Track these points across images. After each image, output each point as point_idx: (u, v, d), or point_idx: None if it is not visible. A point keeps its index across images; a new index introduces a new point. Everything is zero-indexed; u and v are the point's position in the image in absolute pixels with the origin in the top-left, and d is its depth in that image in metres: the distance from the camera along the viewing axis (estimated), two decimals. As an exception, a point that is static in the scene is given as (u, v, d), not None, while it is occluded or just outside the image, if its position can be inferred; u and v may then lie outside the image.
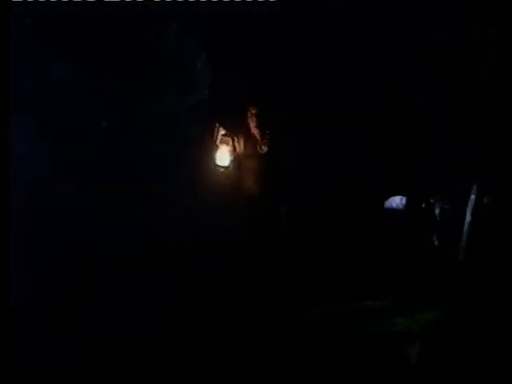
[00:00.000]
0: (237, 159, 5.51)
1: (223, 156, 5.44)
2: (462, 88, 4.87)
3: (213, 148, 5.41)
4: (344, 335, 4.11)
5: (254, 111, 5.50)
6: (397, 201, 5.62)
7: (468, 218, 4.44)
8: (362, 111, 5.37)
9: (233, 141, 5.48)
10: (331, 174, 5.55)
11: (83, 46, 4.85)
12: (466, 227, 4.45)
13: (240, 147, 5.54)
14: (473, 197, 4.48)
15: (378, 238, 5.28)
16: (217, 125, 5.41)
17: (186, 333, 4.05)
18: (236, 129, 5.58)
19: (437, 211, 5.59)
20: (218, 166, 5.41)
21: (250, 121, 5.51)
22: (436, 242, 5.54)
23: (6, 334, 3.56)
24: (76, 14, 4.62)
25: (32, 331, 3.91)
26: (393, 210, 5.61)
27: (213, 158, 5.39)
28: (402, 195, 5.52)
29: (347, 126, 5.43)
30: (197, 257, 4.94)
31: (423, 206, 5.44)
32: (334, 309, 4.64)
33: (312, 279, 4.93)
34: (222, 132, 5.45)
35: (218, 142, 5.43)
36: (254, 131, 5.50)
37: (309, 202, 5.53)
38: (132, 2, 4.67)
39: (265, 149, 5.48)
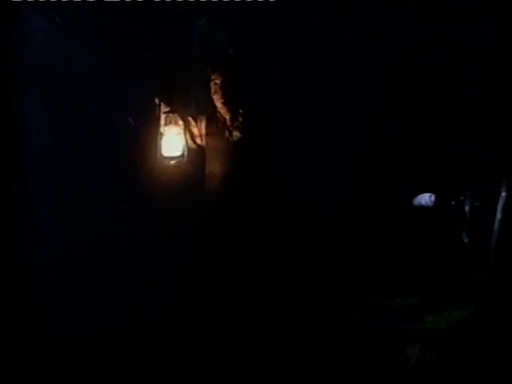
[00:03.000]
0: (194, 146, 3.95)
1: (172, 142, 3.84)
2: (491, 85, 4.84)
3: (157, 134, 3.81)
4: (370, 331, 4.12)
5: (218, 81, 3.88)
6: (426, 198, 5.59)
7: (498, 215, 4.40)
8: (389, 106, 5.34)
9: (184, 120, 3.88)
10: (346, 170, 5.28)
11: (107, 42, 4.91)
12: (496, 225, 4.41)
13: (200, 130, 3.96)
14: (503, 194, 4.43)
15: (407, 236, 5.26)
16: (156, 100, 3.78)
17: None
18: (193, 107, 4.12)
19: (466, 209, 5.54)
20: (166, 157, 3.82)
21: (213, 94, 3.91)
22: (465, 240, 5.49)
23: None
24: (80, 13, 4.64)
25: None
26: (422, 208, 5.58)
27: (158, 148, 3.79)
28: (432, 192, 5.49)
29: (370, 118, 5.33)
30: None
31: (453, 203, 5.41)
32: (363, 305, 4.66)
33: (341, 277, 4.93)
34: (166, 109, 3.82)
35: (163, 123, 3.82)
36: (221, 109, 3.93)
37: (314, 203, 5.13)
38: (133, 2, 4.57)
39: (236, 135, 3.93)
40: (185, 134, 3.86)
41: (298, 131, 5.17)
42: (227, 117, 3.93)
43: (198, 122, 3.96)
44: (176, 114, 3.80)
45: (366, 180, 5.55)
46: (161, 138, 3.79)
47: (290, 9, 4.86)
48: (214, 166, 3.93)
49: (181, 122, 3.82)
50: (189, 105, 4.14)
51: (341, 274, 4.98)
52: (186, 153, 3.83)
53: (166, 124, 3.79)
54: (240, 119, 3.93)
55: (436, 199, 5.29)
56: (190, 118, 3.94)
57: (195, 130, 3.96)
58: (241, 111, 3.93)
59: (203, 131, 3.96)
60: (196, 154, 3.92)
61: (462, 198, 5.54)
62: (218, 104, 3.90)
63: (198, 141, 3.97)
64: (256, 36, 5.15)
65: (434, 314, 4.39)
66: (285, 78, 5.23)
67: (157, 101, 3.77)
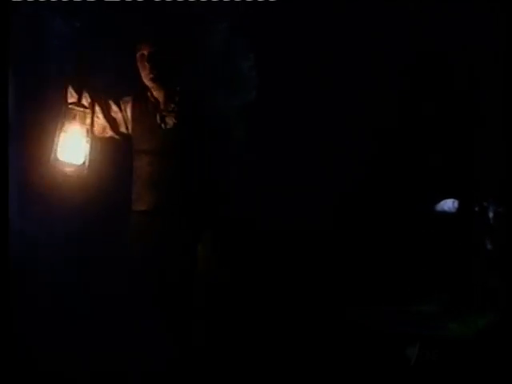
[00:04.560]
0: (117, 137, 3.16)
1: (72, 145, 2.91)
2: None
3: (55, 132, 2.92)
4: (390, 337, 4.10)
5: (145, 51, 3.03)
6: (449, 204, 5.54)
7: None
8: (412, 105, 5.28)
9: (93, 113, 3.00)
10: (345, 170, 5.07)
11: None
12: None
13: (125, 116, 3.13)
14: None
15: (430, 242, 5.22)
16: (66, 88, 2.95)
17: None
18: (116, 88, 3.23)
19: (490, 215, 5.48)
20: (65, 164, 2.93)
21: (140, 69, 3.08)
22: (489, 247, 5.43)
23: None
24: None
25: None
26: (444, 214, 5.53)
27: (53, 150, 2.90)
28: (455, 198, 5.45)
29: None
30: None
31: (476, 209, 5.36)
32: (384, 311, 4.62)
33: (365, 282, 4.89)
34: (72, 99, 2.95)
35: (65, 118, 2.93)
36: (151, 88, 3.10)
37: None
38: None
39: (170, 122, 3.04)
40: (88, 135, 2.97)
41: (299, 131, 4.98)
42: (160, 98, 3.10)
43: (122, 106, 3.17)
44: (83, 109, 2.98)
45: (383, 182, 5.49)
46: (59, 137, 2.94)
47: (291, 9, 4.82)
48: (142, 168, 3.07)
49: (88, 121, 2.98)
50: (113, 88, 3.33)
51: (362, 279, 4.95)
52: (87, 163, 2.97)
53: (68, 120, 2.97)
54: (176, 100, 3.08)
55: (459, 205, 5.25)
56: (110, 102, 3.16)
57: (118, 117, 3.15)
58: (178, 89, 3.08)
59: (129, 117, 3.14)
60: (120, 152, 3.19)
61: (485, 203, 5.48)
62: (147, 81, 3.09)
63: (123, 130, 3.19)
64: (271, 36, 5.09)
65: (458, 322, 4.36)
66: (289, 76, 5.15)
67: (65, 85, 2.98)
